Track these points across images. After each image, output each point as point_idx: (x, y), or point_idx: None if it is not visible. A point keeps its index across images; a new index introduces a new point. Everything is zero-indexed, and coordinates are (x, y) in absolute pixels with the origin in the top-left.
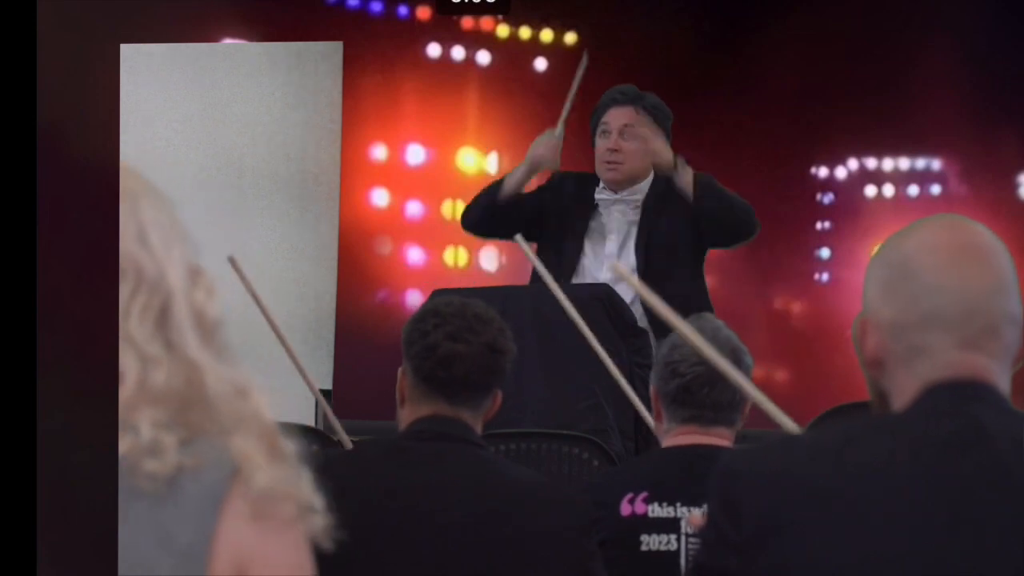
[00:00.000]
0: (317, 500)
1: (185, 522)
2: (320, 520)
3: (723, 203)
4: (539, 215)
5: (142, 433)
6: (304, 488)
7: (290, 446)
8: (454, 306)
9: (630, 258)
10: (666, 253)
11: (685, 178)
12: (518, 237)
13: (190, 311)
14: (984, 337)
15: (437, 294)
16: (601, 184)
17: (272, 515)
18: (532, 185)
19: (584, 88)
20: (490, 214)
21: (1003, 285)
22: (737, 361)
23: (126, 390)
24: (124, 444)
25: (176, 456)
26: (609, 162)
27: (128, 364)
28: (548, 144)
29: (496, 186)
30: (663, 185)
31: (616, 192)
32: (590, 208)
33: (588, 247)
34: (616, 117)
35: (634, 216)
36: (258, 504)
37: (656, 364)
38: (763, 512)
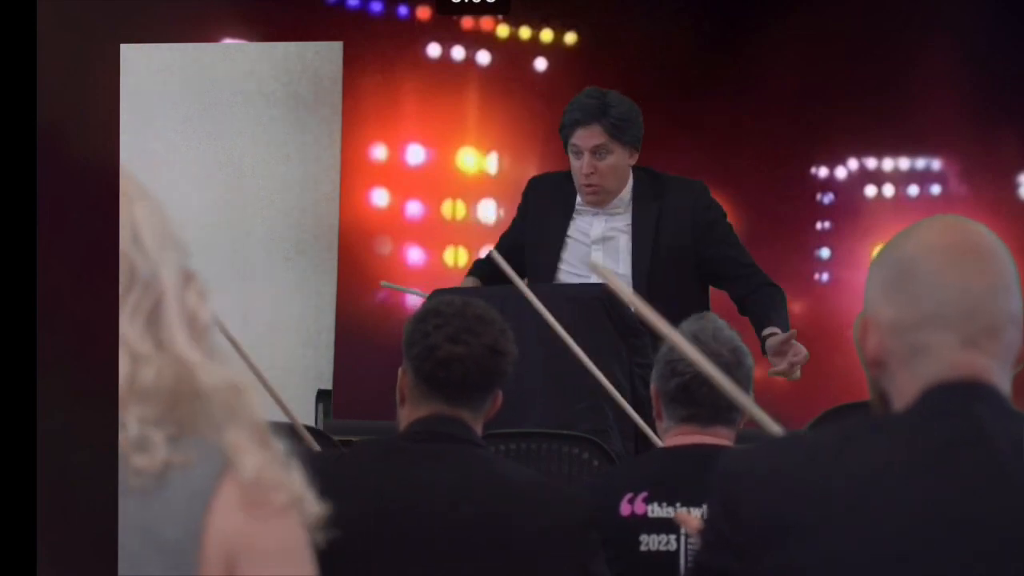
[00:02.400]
0: (308, 493)
1: (173, 519)
2: (313, 510)
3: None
4: (521, 234)
5: (129, 429)
6: (295, 480)
7: (279, 444)
8: (455, 306)
9: (618, 267)
10: (669, 261)
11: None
12: (494, 253)
13: (182, 312)
14: (985, 337)
15: (437, 294)
16: (579, 199)
17: (263, 503)
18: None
19: (582, 86)
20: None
21: (1004, 285)
22: (738, 362)
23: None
24: None
25: (164, 452)
26: (588, 185)
27: (119, 362)
28: None
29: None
30: (644, 184)
31: (599, 207)
32: (569, 216)
33: (565, 255)
34: (584, 138)
35: (620, 223)
36: (249, 492)
37: (657, 362)
38: (763, 513)
